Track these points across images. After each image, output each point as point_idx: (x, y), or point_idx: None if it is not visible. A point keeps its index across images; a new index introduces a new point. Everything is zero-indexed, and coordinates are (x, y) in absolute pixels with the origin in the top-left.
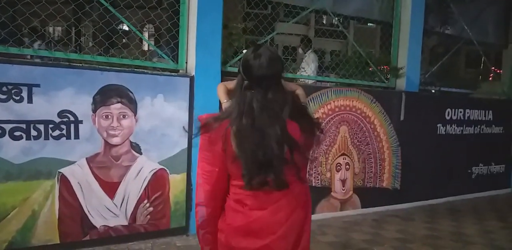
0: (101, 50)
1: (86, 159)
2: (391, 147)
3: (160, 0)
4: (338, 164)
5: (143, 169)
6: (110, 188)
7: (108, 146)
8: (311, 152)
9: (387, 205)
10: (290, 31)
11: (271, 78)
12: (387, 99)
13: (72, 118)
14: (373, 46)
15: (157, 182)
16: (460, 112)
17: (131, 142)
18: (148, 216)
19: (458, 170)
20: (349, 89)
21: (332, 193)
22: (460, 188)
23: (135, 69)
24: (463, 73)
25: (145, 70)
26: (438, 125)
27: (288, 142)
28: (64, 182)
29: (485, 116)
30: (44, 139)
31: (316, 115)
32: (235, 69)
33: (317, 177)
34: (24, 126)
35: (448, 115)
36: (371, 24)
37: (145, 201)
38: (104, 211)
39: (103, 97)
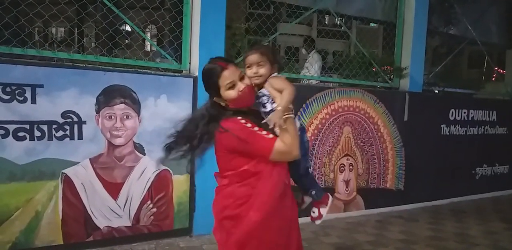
0: (104, 51)
1: (90, 159)
2: (394, 147)
3: (163, 1)
4: (342, 165)
5: (146, 169)
6: (114, 189)
7: (111, 146)
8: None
9: (390, 206)
10: (293, 32)
11: None
12: (391, 100)
13: (75, 119)
14: (376, 47)
15: (161, 182)
16: (464, 112)
17: (134, 143)
18: (152, 217)
19: (462, 171)
20: (353, 89)
21: (335, 194)
22: (464, 189)
23: (139, 70)
24: (467, 73)
25: (148, 71)
26: (442, 126)
27: None
28: (68, 182)
29: (489, 117)
30: (48, 140)
31: (319, 116)
32: None
33: (321, 177)
34: (27, 126)
35: (452, 116)
36: (373, 24)
37: (149, 202)
38: (108, 212)
39: (106, 97)
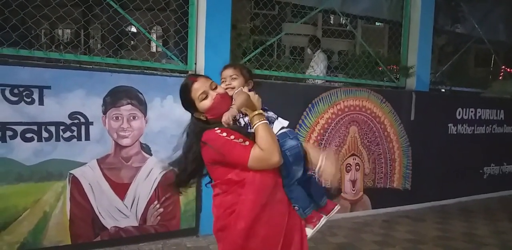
0: (110, 52)
1: (97, 160)
2: (401, 147)
3: (168, 2)
4: (348, 165)
5: (153, 170)
6: (121, 189)
7: (118, 147)
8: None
9: (397, 206)
10: (298, 32)
11: None
12: (397, 99)
13: (82, 120)
14: (382, 46)
15: (167, 183)
16: (471, 111)
17: (141, 143)
18: (158, 217)
19: (469, 170)
20: (359, 89)
21: (342, 194)
22: (471, 188)
23: (145, 71)
24: (474, 72)
25: (155, 72)
26: (449, 125)
27: None
28: (75, 183)
29: (496, 115)
30: (55, 141)
31: (325, 116)
32: None
33: None
34: (35, 127)
35: (459, 115)
36: (379, 23)
37: (155, 202)
38: (115, 212)
39: (113, 98)
